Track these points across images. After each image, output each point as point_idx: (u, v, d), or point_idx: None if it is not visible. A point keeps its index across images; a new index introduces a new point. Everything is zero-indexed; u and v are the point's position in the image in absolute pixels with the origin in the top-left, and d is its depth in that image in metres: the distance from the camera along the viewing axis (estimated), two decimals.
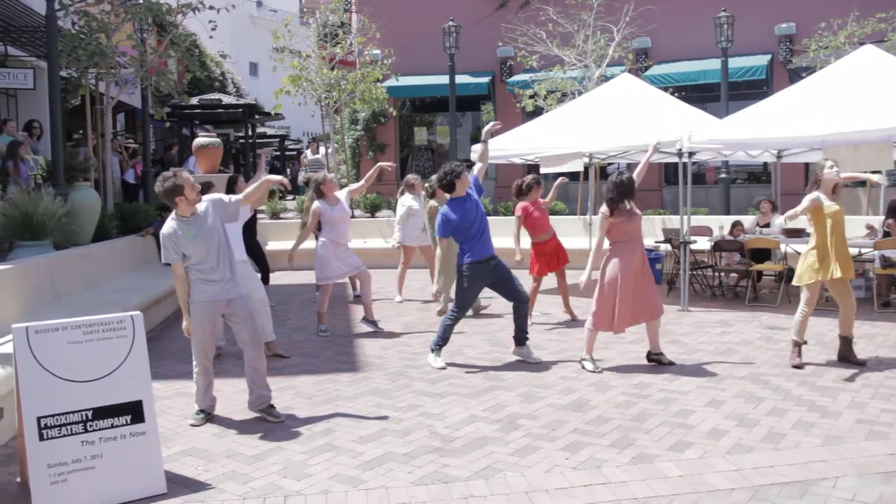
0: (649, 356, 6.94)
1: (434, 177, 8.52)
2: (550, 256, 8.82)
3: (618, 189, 6.64)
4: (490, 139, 7.41)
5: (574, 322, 8.84)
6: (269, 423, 5.43)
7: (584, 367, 6.74)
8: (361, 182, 8.97)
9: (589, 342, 6.79)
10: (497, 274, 6.98)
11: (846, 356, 6.82)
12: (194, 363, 5.46)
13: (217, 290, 5.32)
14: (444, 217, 6.86)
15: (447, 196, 7.05)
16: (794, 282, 6.80)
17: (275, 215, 16.21)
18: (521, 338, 7.13)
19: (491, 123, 7.39)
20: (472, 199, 6.93)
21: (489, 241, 6.95)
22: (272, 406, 5.56)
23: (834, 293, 6.81)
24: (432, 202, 9.69)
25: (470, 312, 8.65)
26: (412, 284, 10.85)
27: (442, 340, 7.05)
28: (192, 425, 5.39)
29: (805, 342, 6.85)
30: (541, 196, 8.98)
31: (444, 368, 6.87)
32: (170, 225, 5.25)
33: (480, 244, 6.87)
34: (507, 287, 7.04)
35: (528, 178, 8.88)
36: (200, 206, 5.30)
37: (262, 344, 5.60)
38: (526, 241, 8.86)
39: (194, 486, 4.35)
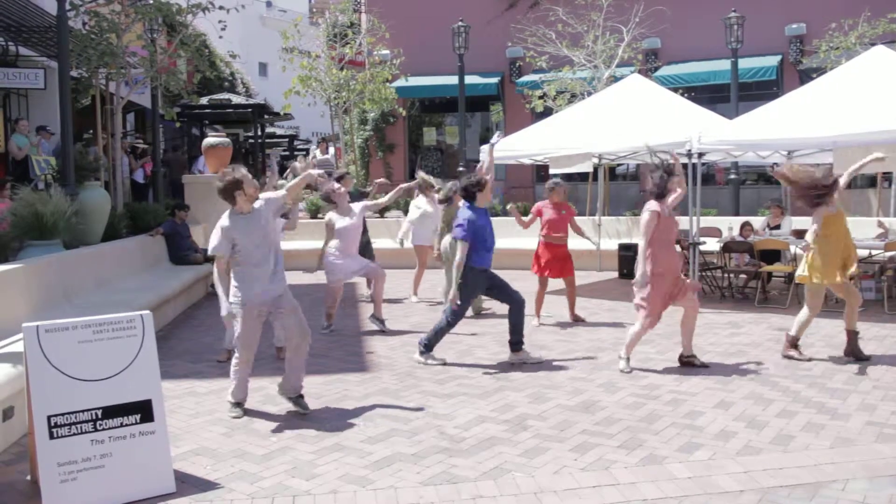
0: (681, 359, 6.86)
1: (450, 184, 8.62)
2: (556, 263, 8.80)
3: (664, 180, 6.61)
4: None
5: (582, 324, 8.83)
6: (280, 420, 5.45)
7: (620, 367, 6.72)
8: (381, 200, 9.02)
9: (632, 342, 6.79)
10: (491, 281, 7.11)
11: (853, 351, 6.89)
12: (237, 357, 5.51)
13: (266, 289, 5.36)
14: (469, 220, 6.85)
15: (461, 203, 7.19)
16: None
17: (284, 215, 16.21)
18: (516, 342, 7.08)
19: (497, 135, 7.78)
20: (487, 213, 7.11)
21: (491, 256, 7.10)
22: (301, 396, 5.64)
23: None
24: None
25: (470, 312, 8.67)
26: (421, 285, 10.82)
27: (433, 342, 7.07)
28: (234, 418, 5.47)
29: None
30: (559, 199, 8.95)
31: (444, 363, 6.97)
32: (227, 219, 5.30)
33: (488, 256, 7.01)
34: (502, 292, 7.14)
35: (550, 182, 9.12)
36: (257, 203, 5.36)
37: (309, 335, 5.58)
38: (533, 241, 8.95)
39: (203, 485, 4.36)
